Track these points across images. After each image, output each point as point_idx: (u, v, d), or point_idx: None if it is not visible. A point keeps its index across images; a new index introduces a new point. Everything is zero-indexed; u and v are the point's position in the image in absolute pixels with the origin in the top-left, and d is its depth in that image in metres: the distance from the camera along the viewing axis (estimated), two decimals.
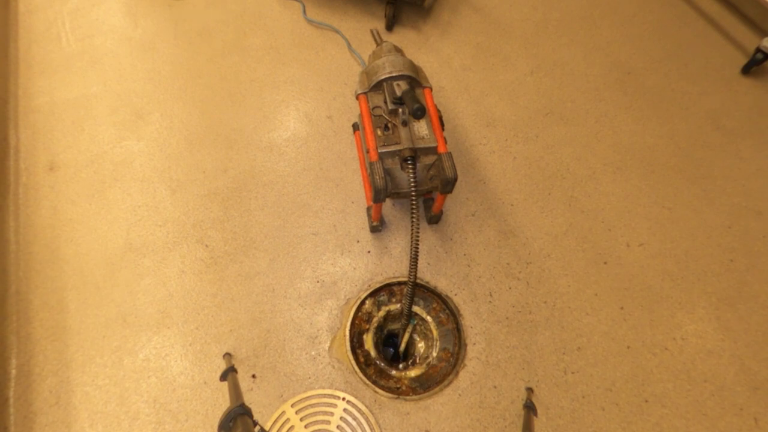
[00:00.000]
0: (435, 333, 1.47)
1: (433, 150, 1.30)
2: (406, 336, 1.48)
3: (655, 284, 1.52)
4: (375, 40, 1.62)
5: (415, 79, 1.37)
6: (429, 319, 1.49)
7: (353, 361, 1.39)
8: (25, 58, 2.03)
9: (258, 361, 1.40)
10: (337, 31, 2.10)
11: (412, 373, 1.42)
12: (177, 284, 1.52)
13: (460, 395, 1.35)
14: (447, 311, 1.49)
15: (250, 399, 1.34)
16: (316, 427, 1.30)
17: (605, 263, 1.56)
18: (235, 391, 1.06)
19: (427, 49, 2.06)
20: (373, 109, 1.35)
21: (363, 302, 1.50)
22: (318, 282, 1.53)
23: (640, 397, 1.35)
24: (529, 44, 2.09)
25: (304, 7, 2.17)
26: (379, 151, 1.28)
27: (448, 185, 1.29)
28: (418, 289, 1.52)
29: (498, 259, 1.56)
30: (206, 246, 1.59)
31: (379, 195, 1.29)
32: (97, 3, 2.22)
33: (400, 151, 1.28)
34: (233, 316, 1.47)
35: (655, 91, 1.95)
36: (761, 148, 1.79)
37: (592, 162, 1.77)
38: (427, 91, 1.40)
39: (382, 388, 1.36)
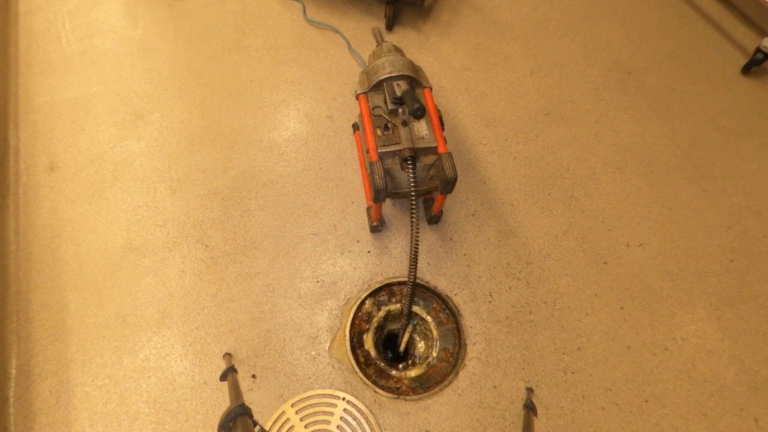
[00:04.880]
0: (435, 333, 1.47)
1: (433, 150, 1.30)
2: (406, 336, 1.48)
3: (655, 284, 1.52)
4: (376, 39, 1.62)
5: (415, 79, 1.37)
6: (429, 319, 1.49)
7: (353, 361, 1.39)
8: (25, 58, 2.03)
9: (258, 361, 1.40)
10: (337, 31, 2.10)
11: (412, 373, 1.42)
12: (177, 284, 1.52)
13: (460, 395, 1.35)
14: (447, 311, 1.49)
15: (250, 399, 1.34)
16: (316, 427, 1.30)
17: (605, 263, 1.56)
18: (235, 391, 1.06)
19: (427, 49, 2.06)
20: (373, 109, 1.35)
21: (363, 302, 1.50)
22: (318, 282, 1.53)
23: (640, 397, 1.35)
24: (529, 44, 2.09)
25: (304, 7, 2.17)
26: (379, 151, 1.28)
27: (448, 185, 1.29)
28: (418, 289, 1.52)
29: (498, 259, 1.56)
30: (206, 246, 1.59)
31: (379, 195, 1.29)
32: (97, 3, 2.22)
33: (400, 151, 1.28)
34: (233, 316, 1.47)
35: (655, 91, 1.95)
36: (761, 148, 1.79)
37: (592, 162, 1.77)
38: (427, 91, 1.40)
39: (382, 388, 1.36)
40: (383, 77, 1.35)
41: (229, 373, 1.21)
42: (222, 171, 1.74)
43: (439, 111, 1.42)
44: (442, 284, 1.52)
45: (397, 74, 1.34)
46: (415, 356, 1.49)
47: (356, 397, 1.34)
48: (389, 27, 2.10)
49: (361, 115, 1.39)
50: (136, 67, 2.01)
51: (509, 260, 1.56)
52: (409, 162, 1.25)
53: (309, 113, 1.88)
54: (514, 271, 1.55)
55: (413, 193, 1.24)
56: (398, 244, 1.59)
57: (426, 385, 1.39)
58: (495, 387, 1.36)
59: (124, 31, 2.12)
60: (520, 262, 1.56)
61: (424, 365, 1.44)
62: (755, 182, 1.72)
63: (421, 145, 1.28)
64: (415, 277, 1.28)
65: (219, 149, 1.79)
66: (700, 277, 1.54)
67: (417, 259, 1.27)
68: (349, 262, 1.56)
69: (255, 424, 0.95)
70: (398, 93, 1.29)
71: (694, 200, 1.68)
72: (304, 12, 2.16)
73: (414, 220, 1.24)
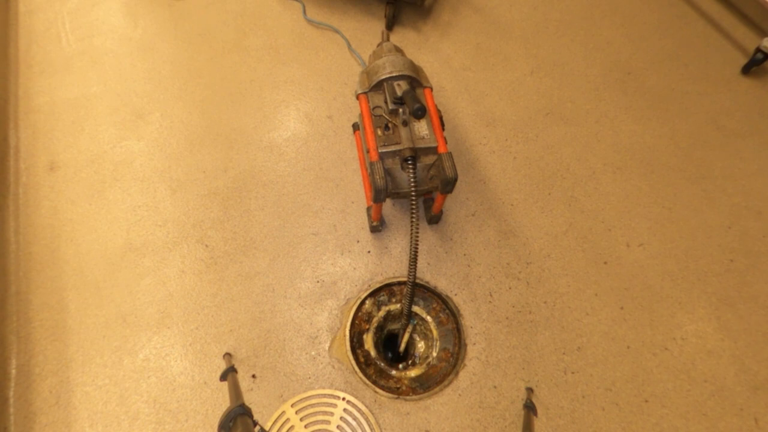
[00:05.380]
0: (435, 333, 1.47)
1: (433, 150, 1.30)
2: (406, 336, 1.48)
3: (655, 284, 1.52)
4: (384, 40, 1.61)
5: (415, 79, 1.37)
6: (429, 319, 1.49)
7: (353, 361, 1.39)
8: (25, 58, 2.03)
9: (258, 361, 1.40)
10: (337, 31, 2.10)
11: (412, 373, 1.42)
12: (177, 284, 1.52)
13: (460, 395, 1.35)
14: (447, 311, 1.49)
15: (250, 399, 1.34)
16: (316, 427, 1.30)
17: (605, 263, 1.56)
18: (235, 391, 1.06)
19: (427, 49, 2.06)
20: (374, 109, 1.35)
21: (363, 302, 1.50)
22: (318, 282, 1.53)
23: (640, 397, 1.35)
24: (529, 44, 2.09)
25: (304, 7, 2.17)
26: (380, 151, 1.28)
27: (448, 185, 1.29)
28: (418, 289, 1.52)
29: (498, 259, 1.56)
30: (206, 246, 1.59)
31: (379, 195, 1.29)
32: (97, 3, 2.22)
33: (400, 151, 1.28)
34: (233, 316, 1.47)
35: (655, 91, 1.95)
36: (761, 148, 1.79)
37: (592, 162, 1.77)
38: (427, 91, 1.40)
39: (382, 388, 1.36)
40: (384, 77, 1.35)
41: (229, 373, 1.21)
42: (222, 171, 1.74)
43: (439, 111, 1.42)
44: (442, 284, 1.52)
45: (397, 74, 1.34)
46: (415, 356, 1.49)
47: (356, 397, 1.34)
48: (389, 27, 2.10)
49: (361, 115, 1.39)
50: (136, 67, 2.01)
51: (509, 260, 1.56)
52: (409, 162, 1.25)
53: (309, 113, 1.88)
54: (514, 271, 1.55)
55: (413, 193, 1.24)
56: (398, 244, 1.59)
57: (426, 385, 1.39)
58: (495, 387, 1.36)
59: (124, 31, 2.12)
60: (520, 262, 1.56)
61: (424, 365, 1.44)
62: (755, 182, 1.72)
63: (421, 145, 1.28)
64: (415, 277, 1.28)
65: (219, 149, 1.79)
66: (700, 277, 1.54)
67: (417, 259, 1.27)
68: (349, 262, 1.56)
69: (255, 424, 0.95)
70: (399, 93, 1.29)
71: (694, 200, 1.68)
72: (304, 12, 2.16)
73: (414, 220, 1.24)
